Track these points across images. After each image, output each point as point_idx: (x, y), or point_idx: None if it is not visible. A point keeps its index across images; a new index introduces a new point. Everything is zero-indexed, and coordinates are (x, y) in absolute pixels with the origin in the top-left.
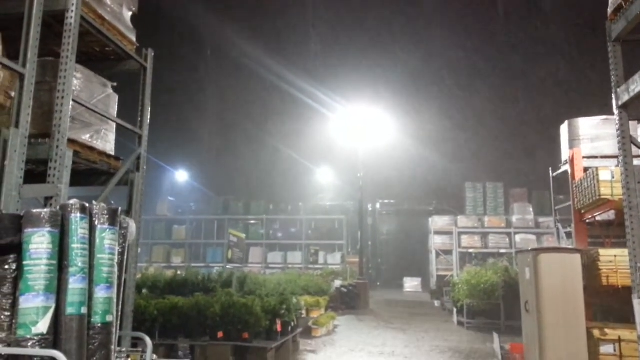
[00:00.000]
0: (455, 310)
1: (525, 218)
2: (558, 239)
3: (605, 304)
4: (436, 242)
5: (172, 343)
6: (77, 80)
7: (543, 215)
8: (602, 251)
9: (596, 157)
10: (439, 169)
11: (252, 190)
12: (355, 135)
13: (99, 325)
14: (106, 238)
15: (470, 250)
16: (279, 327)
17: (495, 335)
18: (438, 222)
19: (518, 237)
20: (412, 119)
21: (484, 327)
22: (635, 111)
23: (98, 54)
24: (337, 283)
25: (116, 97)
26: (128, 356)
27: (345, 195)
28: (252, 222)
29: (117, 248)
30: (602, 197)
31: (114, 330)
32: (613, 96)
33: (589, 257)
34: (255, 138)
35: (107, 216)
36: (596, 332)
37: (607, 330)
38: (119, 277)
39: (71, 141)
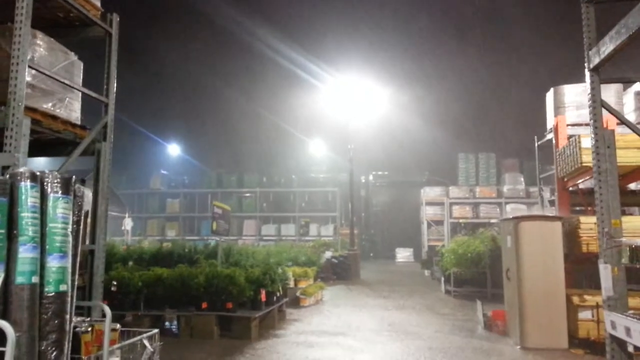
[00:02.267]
0: (442, 279)
1: (516, 188)
2: (542, 207)
3: (586, 271)
4: (428, 212)
5: (158, 314)
6: (36, 47)
7: (534, 185)
8: (582, 219)
9: (581, 125)
10: (431, 140)
11: (245, 163)
12: (346, 107)
13: (52, 294)
14: (59, 207)
15: (462, 221)
16: (263, 297)
17: (478, 302)
18: (429, 193)
19: (509, 207)
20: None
21: (470, 295)
22: (606, 74)
23: (63, 21)
24: (328, 254)
25: (81, 65)
26: (92, 326)
27: (339, 168)
28: (246, 194)
29: (71, 217)
30: (584, 164)
31: (68, 299)
32: (585, 59)
33: (570, 225)
34: (249, 111)
35: (60, 184)
36: (575, 299)
37: (586, 297)
38: (75, 247)
39: (31, 109)
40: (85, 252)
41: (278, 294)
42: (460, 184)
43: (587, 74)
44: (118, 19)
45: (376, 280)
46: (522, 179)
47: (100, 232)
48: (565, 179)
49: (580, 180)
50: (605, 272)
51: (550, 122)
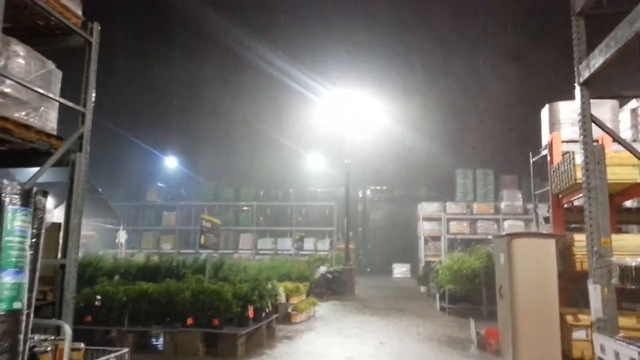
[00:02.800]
0: (437, 295)
1: (514, 204)
2: (536, 224)
3: (580, 289)
4: (425, 228)
5: (142, 330)
6: (10, 55)
7: (532, 202)
8: (576, 236)
9: (576, 141)
10: (429, 156)
11: (242, 176)
12: (343, 121)
13: (3, 312)
14: (17, 219)
15: (459, 237)
16: (250, 313)
17: (472, 321)
18: (427, 208)
19: (506, 224)
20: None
21: (465, 312)
22: (597, 89)
23: (43, 29)
24: (323, 269)
25: (60, 74)
26: (55, 345)
27: (336, 182)
28: (244, 208)
29: (30, 230)
30: (578, 181)
31: (23, 317)
32: (575, 73)
33: (564, 243)
34: (246, 123)
35: (19, 196)
36: (569, 318)
37: (580, 316)
38: (33, 262)
39: (2, 118)
40: (56, 266)
41: (267, 310)
42: (458, 200)
43: (577, 88)
44: (99, 28)
45: (371, 296)
46: (520, 196)
47: (73, 245)
48: (560, 196)
49: (575, 197)
50: (595, 293)
51: (545, 138)
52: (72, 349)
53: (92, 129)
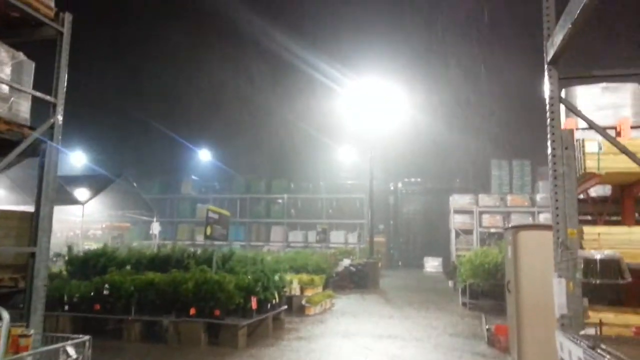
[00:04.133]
0: (460, 290)
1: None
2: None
3: (590, 285)
4: (456, 221)
5: (148, 319)
6: None
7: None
8: (585, 229)
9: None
10: (464, 147)
11: (274, 169)
12: (372, 113)
13: None
14: None
15: (492, 230)
16: (254, 305)
17: (482, 317)
18: (458, 200)
19: (542, 217)
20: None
21: (486, 307)
22: (567, 68)
23: (17, 21)
24: (346, 262)
25: (32, 65)
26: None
27: (367, 174)
28: (278, 200)
29: None
30: (588, 170)
31: None
32: (544, 52)
33: None
34: (278, 117)
35: None
36: None
37: (589, 313)
38: None
39: None
40: (26, 254)
41: (274, 302)
42: (493, 192)
43: (545, 67)
44: (71, 18)
45: (394, 290)
46: None
47: (43, 234)
48: None
49: (586, 188)
50: (560, 287)
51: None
52: (20, 335)
53: (129, 124)
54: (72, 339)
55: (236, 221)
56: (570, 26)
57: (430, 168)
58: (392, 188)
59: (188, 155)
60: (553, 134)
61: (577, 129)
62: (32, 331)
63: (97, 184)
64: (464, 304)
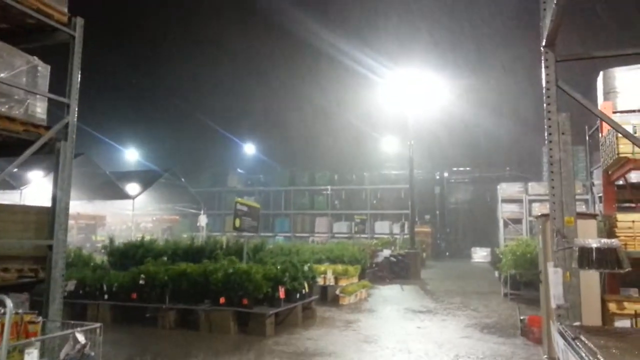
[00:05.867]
0: (502, 280)
1: None
2: (592, 203)
3: (627, 275)
4: (504, 210)
5: (182, 307)
6: None
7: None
8: (620, 216)
9: (633, 111)
10: (513, 134)
11: (317, 161)
12: (417, 102)
13: None
14: None
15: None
16: (281, 294)
17: (517, 308)
18: (507, 189)
19: (597, 205)
20: (484, 84)
21: (529, 298)
22: (564, 49)
23: (33, 27)
24: (386, 252)
25: (47, 68)
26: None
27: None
28: (324, 192)
29: None
30: (621, 155)
31: None
32: (540, 35)
33: (610, 223)
34: (321, 108)
35: None
36: (612, 306)
37: (625, 304)
38: None
39: None
40: (45, 246)
41: (303, 292)
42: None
43: (542, 50)
44: (82, 23)
45: (436, 281)
46: None
47: (59, 227)
48: (610, 172)
49: (622, 173)
50: (556, 277)
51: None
52: (29, 322)
53: (179, 120)
54: (85, 326)
55: (281, 213)
56: (554, 7)
57: (479, 157)
58: (437, 177)
59: (234, 149)
60: (549, 119)
61: (614, 112)
62: (39, 318)
63: (146, 178)
64: (505, 295)
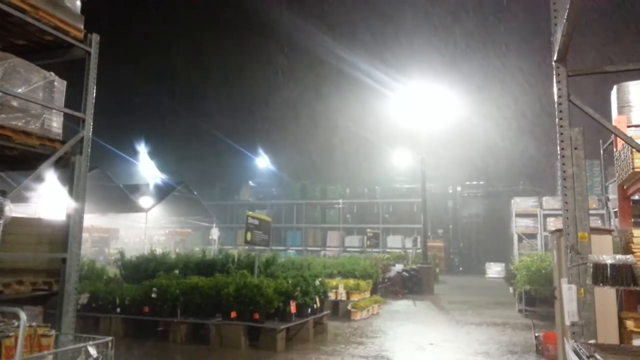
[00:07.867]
0: (517, 296)
1: None
2: (608, 219)
3: None
4: (518, 225)
5: (193, 321)
6: (7, 69)
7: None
8: (636, 231)
9: None
10: (526, 148)
11: (329, 175)
12: (424, 116)
13: None
14: None
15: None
16: (292, 309)
17: (532, 324)
18: (521, 203)
19: (613, 220)
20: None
21: (544, 315)
22: (575, 64)
23: (51, 43)
24: (399, 267)
25: (63, 84)
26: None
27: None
28: (335, 206)
29: None
30: (636, 169)
31: None
32: (551, 48)
33: (626, 239)
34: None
35: None
36: (629, 323)
37: None
38: None
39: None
40: (59, 260)
41: (315, 306)
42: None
43: (554, 65)
44: (98, 39)
45: (449, 296)
46: None
47: (73, 240)
48: (625, 187)
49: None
50: (570, 294)
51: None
52: (42, 335)
53: (192, 134)
54: (98, 339)
55: (293, 226)
56: (564, 22)
57: (492, 171)
58: (450, 191)
59: (246, 162)
60: (562, 133)
61: (629, 126)
62: (52, 331)
63: (159, 192)
64: (519, 311)
